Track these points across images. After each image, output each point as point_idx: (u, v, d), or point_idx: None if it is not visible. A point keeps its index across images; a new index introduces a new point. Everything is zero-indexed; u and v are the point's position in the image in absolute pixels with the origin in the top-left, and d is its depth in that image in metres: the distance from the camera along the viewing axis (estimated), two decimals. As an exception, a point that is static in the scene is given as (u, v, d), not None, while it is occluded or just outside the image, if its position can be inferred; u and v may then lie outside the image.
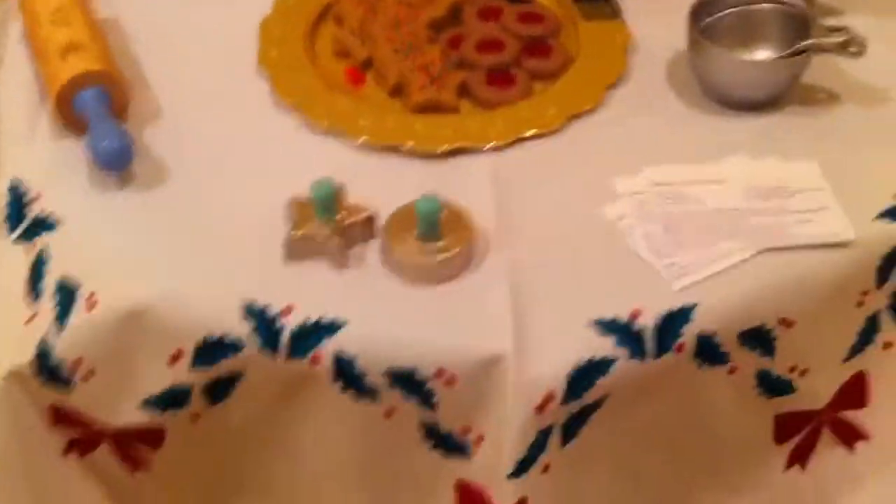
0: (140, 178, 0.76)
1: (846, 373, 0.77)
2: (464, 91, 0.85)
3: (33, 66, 0.84)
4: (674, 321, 0.67)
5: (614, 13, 0.91)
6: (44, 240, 0.72)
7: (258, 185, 0.76)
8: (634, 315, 0.67)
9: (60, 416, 0.70)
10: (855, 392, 0.78)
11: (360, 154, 0.79)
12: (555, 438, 0.67)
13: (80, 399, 0.70)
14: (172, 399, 0.69)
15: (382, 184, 0.77)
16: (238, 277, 0.69)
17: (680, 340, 0.67)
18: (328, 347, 0.66)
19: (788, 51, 0.82)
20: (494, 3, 0.93)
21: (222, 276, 0.70)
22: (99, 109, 0.76)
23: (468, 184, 0.76)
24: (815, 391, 0.76)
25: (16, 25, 0.88)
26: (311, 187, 0.69)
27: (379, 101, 0.84)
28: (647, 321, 0.67)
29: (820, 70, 0.83)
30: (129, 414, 0.70)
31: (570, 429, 0.67)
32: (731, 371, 0.70)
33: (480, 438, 0.68)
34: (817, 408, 0.77)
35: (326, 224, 0.69)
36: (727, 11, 0.86)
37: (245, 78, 0.85)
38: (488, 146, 0.79)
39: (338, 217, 0.69)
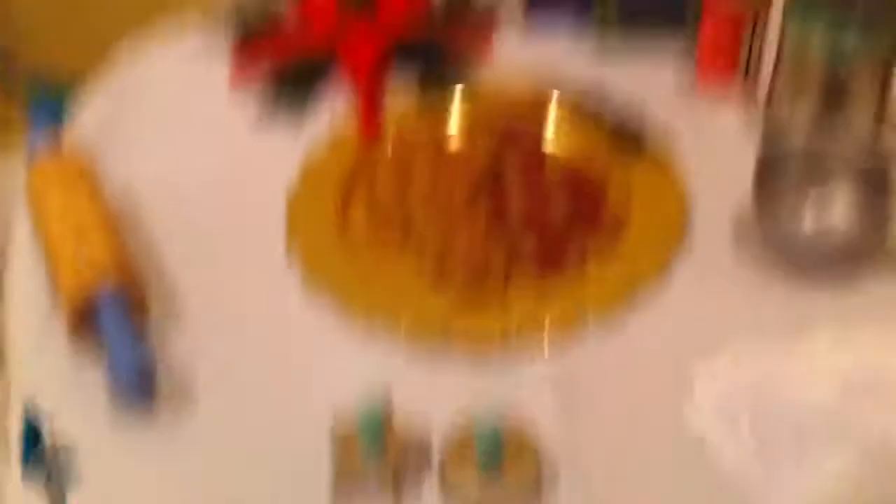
0: (165, 403, 0.69)
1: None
2: (510, 269, 0.78)
3: (44, 272, 0.77)
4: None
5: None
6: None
7: (296, 398, 0.69)
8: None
9: None
10: None
11: (403, 352, 0.72)
12: None
13: None
14: None
15: (429, 387, 0.69)
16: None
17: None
18: None
19: (868, 214, 0.75)
20: (533, 159, 0.86)
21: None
22: (117, 322, 0.69)
23: (525, 385, 0.69)
24: None
25: (22, 229, 0.82)
26: (357, 416, 0.62)
27: (419, 286, 0.77)
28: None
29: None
30: None
31: None
32: None
33: None
34: None
35: (375, 459, 0.61)
36: (793, 166, 0.79)
37: (274, 266, 0.79)
38: (545, 338, 0.72)
39: (387, 448, 0.62)
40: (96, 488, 0.64)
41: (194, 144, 0.90)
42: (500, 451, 0.61)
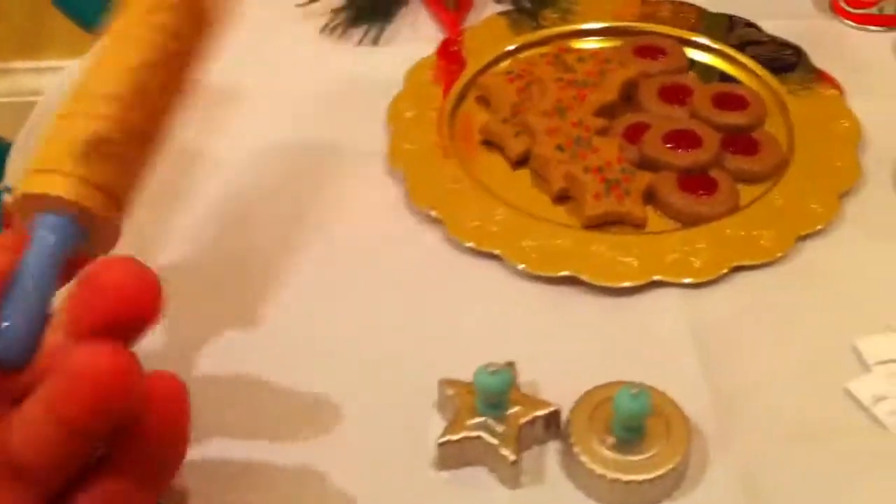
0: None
1: None
2: (649, 198, 0.67)
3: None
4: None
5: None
6: None
7: (395, 324, 0.60)
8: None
9: None
10: None
11: (518, 281, 0.62)
12: None
13: None
14: None
15: (547, 324, 0.60)
16: (377, 489, 0.53)
17: None
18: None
19: None
20: (679, 81, 0.75)
21: (360, 487, 0.53)
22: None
23: (664, 333, 0.59)
24: None
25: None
26: (477, 376, 0.52)
27: (540, 210, 0.66)
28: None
29: None
30: None
31: None
32: None
33: None
34: None
35: (495, 425, 0.52)
36: None
37: (376, 176, 0.69)
38: (688, 280, 0.62)
39: (510, 413, 0.52)
40: None
41: (270, 53, 0.81)
42: (642, 428, 0.51)
